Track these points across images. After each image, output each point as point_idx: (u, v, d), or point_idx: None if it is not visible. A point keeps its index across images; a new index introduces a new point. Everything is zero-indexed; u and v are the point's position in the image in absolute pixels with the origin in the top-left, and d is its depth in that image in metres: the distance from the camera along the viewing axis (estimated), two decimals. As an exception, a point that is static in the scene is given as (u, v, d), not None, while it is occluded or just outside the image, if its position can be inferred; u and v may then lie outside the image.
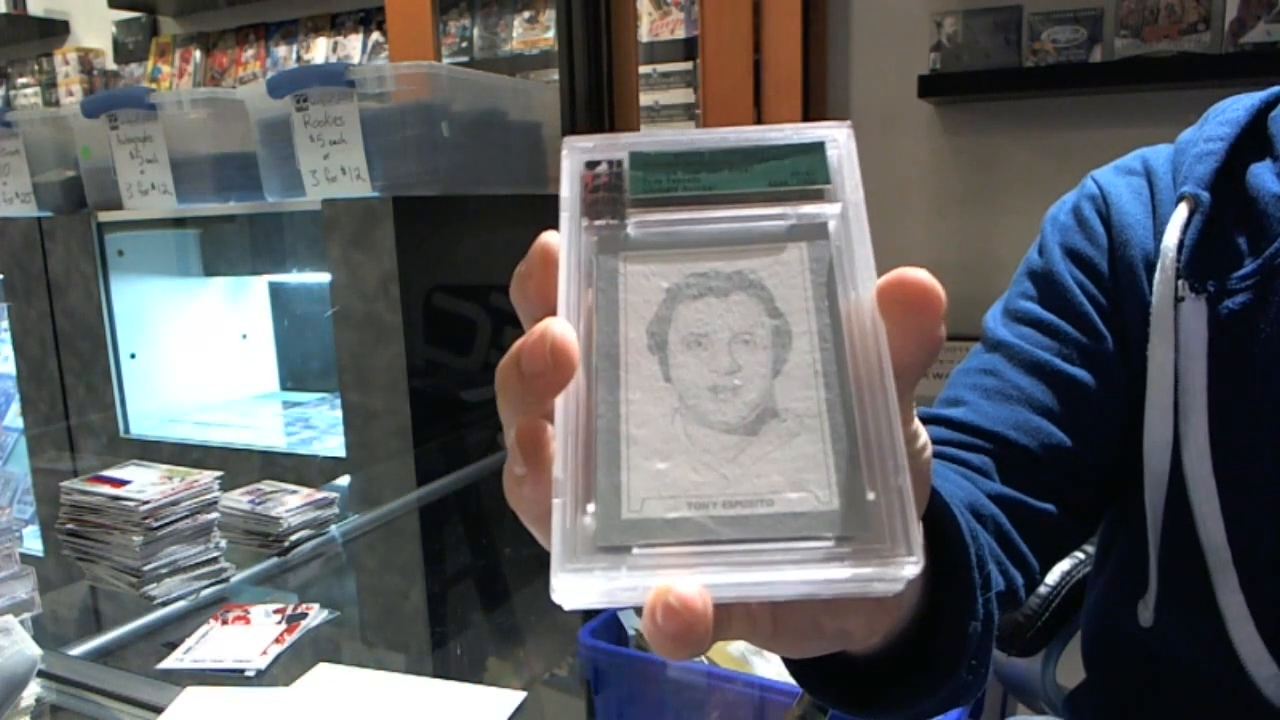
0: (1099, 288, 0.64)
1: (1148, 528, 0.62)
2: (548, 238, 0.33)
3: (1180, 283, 0.59)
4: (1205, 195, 0.60)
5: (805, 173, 0.35)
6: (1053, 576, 0.93)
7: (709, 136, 0.35)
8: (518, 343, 0.29)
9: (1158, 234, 0.62)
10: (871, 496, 0.28)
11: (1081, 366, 0.63)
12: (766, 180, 0.35)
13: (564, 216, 0.35)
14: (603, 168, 0.35)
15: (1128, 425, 0.63)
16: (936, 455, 0.60)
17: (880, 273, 0.34)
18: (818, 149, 0.35)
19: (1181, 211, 0.60)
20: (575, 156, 0.35)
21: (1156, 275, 0.60)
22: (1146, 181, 0.65)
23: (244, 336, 2.21)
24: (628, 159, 0.35)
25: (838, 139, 0.35)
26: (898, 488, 0.28)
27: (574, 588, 0.29)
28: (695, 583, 0.27)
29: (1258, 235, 0.59)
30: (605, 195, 0.35)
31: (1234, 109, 0.64)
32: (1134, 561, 0.64)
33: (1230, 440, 0.58)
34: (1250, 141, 0.63)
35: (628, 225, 0.34)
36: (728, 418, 0.30)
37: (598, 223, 0.35)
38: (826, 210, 0.35)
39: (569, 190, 0.35)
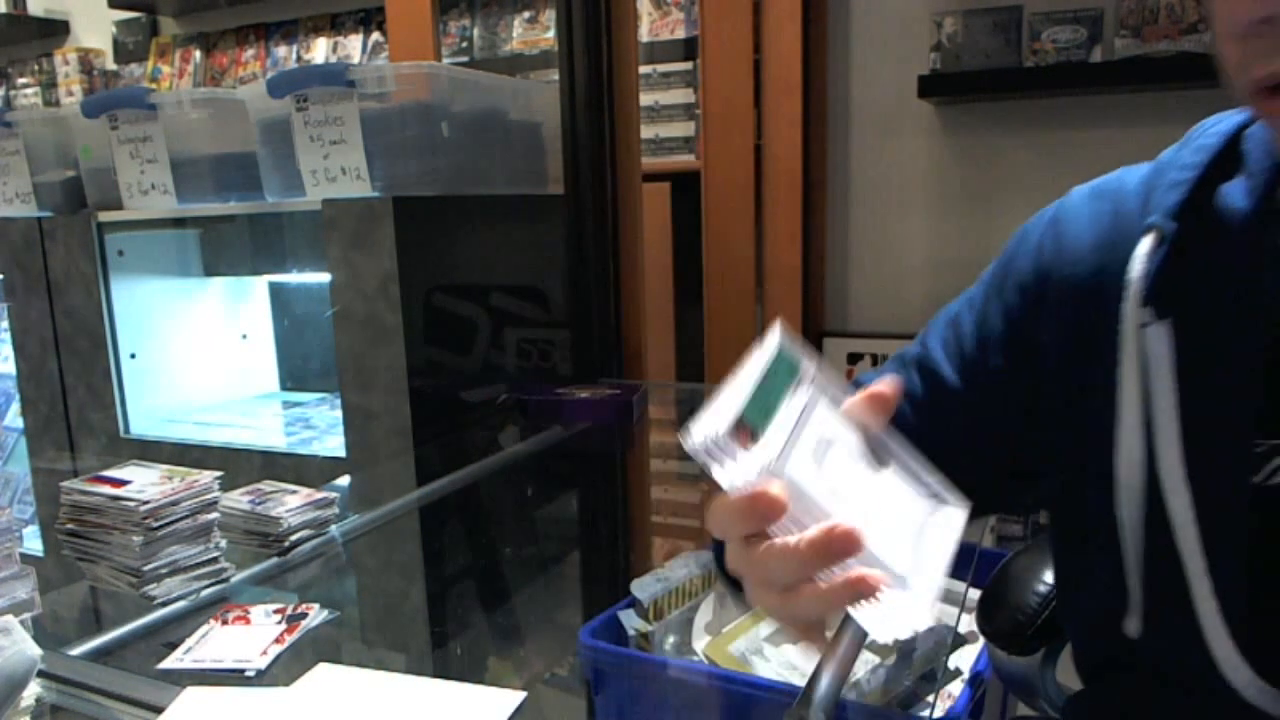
0: (1024, 310, 0.70)
1: (1124, 543, 0.64)
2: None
3: (1145, 310, 0.62)
4: (1171, 225, 0.63)
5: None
6: (1051, 575, 0.93)
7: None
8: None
9: (1117, 259, 0.65)
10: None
11: (961, 377, 0.73)
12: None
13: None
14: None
15: (1010, 437, 0.72)
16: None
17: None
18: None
19: (1147, 242, 0.63)
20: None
21: (1126, 302, 0.63)
22: (1114, 206, 0.68)
23: (244, 336, 2.21)
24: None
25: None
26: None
27: None
28: None
29: (1226, 256, 0.62)
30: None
31: (1211, 133, 0.66)
32: (1114, 577, 0.66)
33: (1200, 454, 0.60)
34: (1225, 162, 0.64)
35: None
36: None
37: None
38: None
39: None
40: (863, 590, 0.46)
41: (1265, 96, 0.53)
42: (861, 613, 0.46)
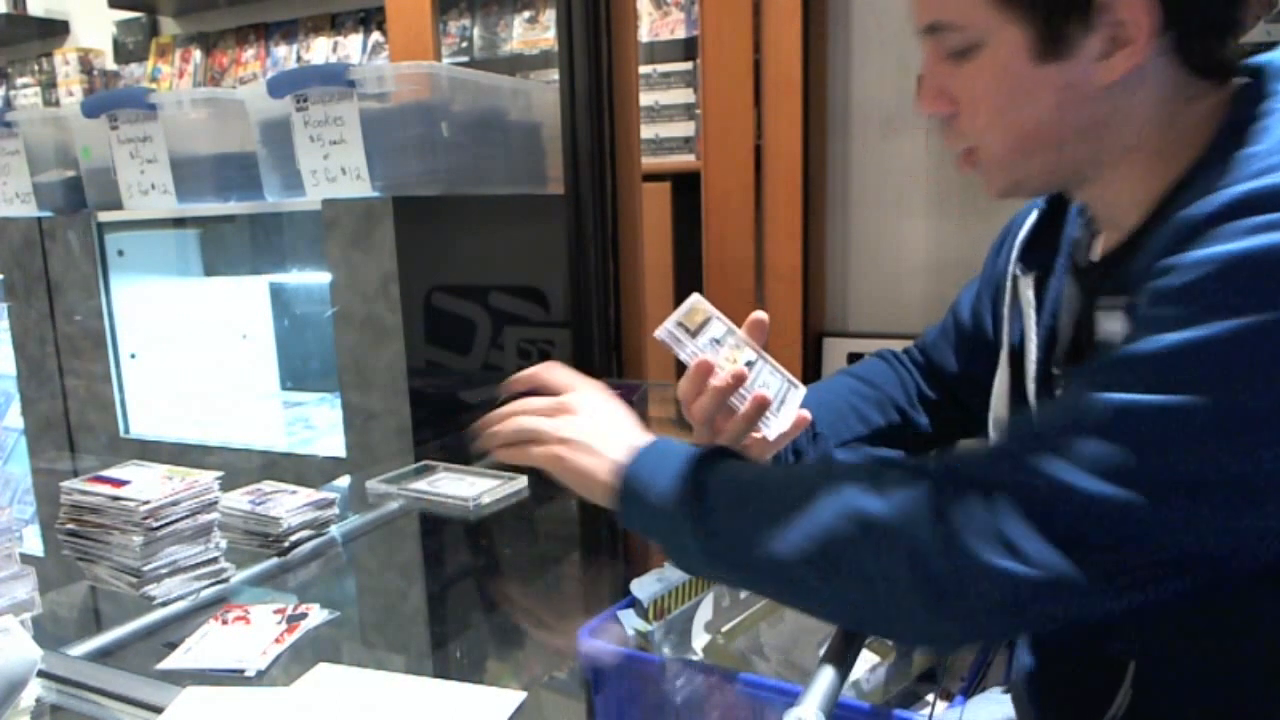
0: (995, 282, 0.93)
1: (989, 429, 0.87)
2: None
3: (1018, 265, 0.83)
4: (1044, 204, 0.84)
5: None
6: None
7: None
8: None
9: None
10: None
11: (970, 316, 0.98)
12: None
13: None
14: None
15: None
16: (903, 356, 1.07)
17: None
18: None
19: (1032, 217, 0.85)
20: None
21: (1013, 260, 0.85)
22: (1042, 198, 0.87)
23: (244, 336, 2.21)
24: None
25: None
26: None
27: None
28: None
29: (1064, 231, 0.82)
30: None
31: None
32: None
33: (1050, 374, 0.79)
34: None
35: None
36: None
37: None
38: None
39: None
40: (761, 403, 0.81)
41: (958, 157, 0.74)
42: (763, 423, 0.82)
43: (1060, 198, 0.83)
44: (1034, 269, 0.82)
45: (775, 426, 0.83)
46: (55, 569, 1.16)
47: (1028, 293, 0.81)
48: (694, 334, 0.84)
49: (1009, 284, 0.84)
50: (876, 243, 2.05)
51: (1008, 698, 0.91)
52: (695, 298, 0.85)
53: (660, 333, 0.84)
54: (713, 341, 0.84)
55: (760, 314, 0.85)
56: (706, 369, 0.82)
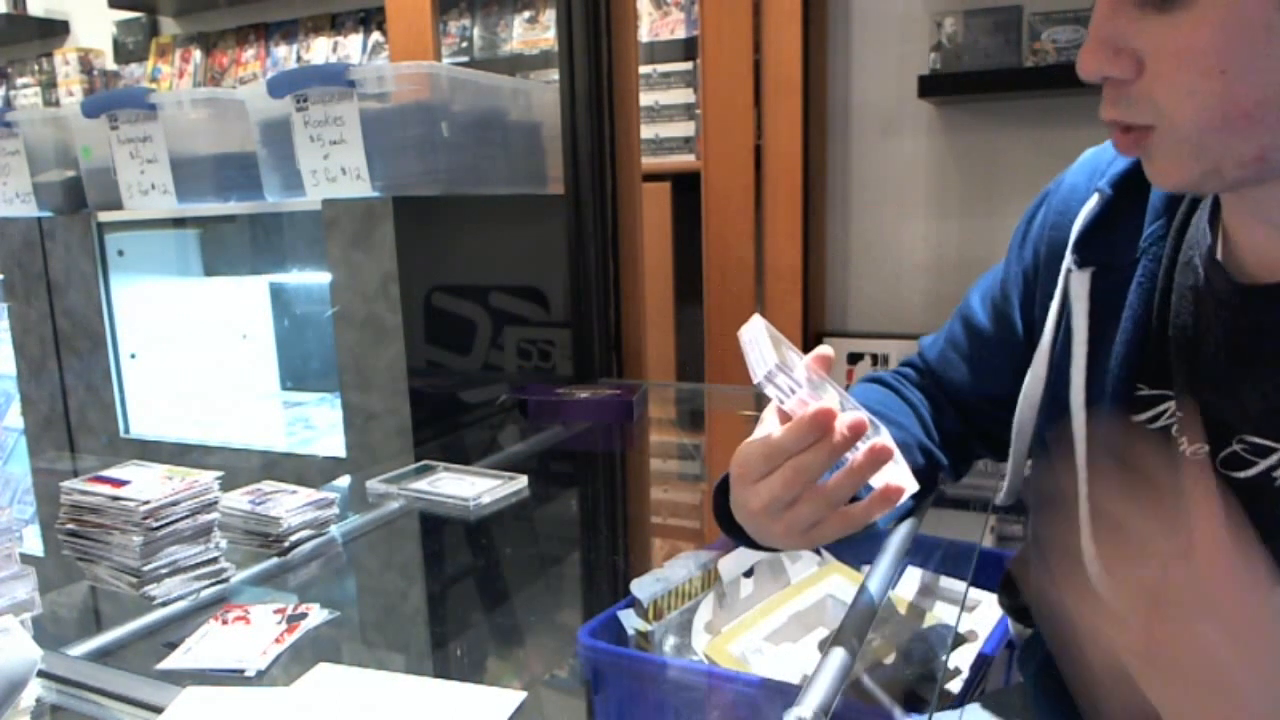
0: (1026, 275, 0.82)
1: (1011, 442, 0.79)
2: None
3: (1073, 258, 0.73)
4: (1108, 190, 0.73)
5: None
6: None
7: None
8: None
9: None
10: None
11: (991, 320, 0.86)
12: None
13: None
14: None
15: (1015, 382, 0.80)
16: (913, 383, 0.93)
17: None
18: None
19: (1092, 203, 0.74)
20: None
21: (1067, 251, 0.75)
22: (1094, 168, 0.78)
23: (244, 336, 2.21)
24: None
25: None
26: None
27: None
28: None
29: (1140, 224, 0.72)
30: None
31: None
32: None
33: (1097, 386, 0.71)
34: None
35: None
36: None
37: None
38: None
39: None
40: (881, 455, 0.63)
41: (1116, 132, 0.61)
42: (880, 475, 0.64)
43: (1130, 184, 0.72)
44: (1091, 264, 0.72)
45: (897, 476, 0.65)
46: (55, 569, 1.16)
47: (1080, 290, 0.72)
48: (787, 372, 0.64)
49: (1061, 279, 0.74)
50: (876, 243, 2.05)
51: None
52: (764, 321, 0.70)
53: (760, 381, 0.64)
54: (806, 381, 0.65)
55: (826, 350, 0.70)
56: (827, 421, 0.63)
